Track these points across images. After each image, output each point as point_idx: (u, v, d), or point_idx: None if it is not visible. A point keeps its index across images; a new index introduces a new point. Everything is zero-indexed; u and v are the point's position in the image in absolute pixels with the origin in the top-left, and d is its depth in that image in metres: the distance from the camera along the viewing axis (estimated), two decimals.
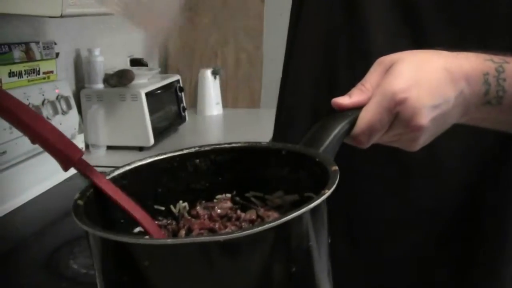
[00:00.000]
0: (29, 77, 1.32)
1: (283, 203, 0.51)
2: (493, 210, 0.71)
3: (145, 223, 0.47)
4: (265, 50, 2.31)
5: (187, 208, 0.53)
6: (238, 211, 0.51)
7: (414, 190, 0.71)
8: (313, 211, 0.39)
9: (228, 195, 0.53)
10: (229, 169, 0.53)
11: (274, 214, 0.49)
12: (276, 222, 0.37)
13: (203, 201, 0.53)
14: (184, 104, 1.93)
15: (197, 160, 0.53)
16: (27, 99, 1.24)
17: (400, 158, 0.68)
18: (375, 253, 0.74)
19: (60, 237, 1.01)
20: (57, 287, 0.85)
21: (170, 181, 0.52)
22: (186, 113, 1.93)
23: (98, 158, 1.56)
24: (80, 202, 0.43)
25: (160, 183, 0.52)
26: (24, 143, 1.20)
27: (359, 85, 0.55)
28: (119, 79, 1.65)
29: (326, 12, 0.74)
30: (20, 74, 1.28)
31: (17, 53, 1.28)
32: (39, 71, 1.35)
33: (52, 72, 1.41)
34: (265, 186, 0.52)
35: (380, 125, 0.53)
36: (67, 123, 1.37)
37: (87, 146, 1.59)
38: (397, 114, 0.53)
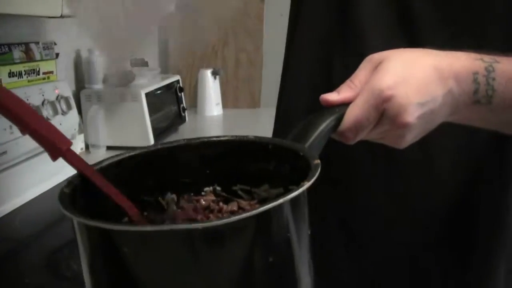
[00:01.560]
0: (29, 78, 1.32)
1: (269, 196, 0.51)
2: (487, 208, 0.72)
3: (131, 213, 0.47)
4: (265, 50, 2.31)
5: (175, 200, 0.53)
6: (221, 203, 0.52)
7: (408, 188, 0.71)
8: (293, 202, 0.40)
9: (218, 188, 0.54)
10: (218, 162, 0.53)
11: (256, 206, 0.50)
12: (255, 211, 0.38)
13: (191, 194, 0.53)
14: (184, 104, 1.93)
15: (186, 153, 0.53)
16: (27, 100, 1.24)
17: (393, 156, 0.68)
18: (370, 250, 0.75)
19: (61, 238, 1.01)
20: (57, 287, 0.85)
21: (159, 173, 0.52)
22: (186, 113, 1.93)
23: (98, 159, 1.54)
24: (66, 190, 0.44)
25: (150, 175, 0.52)
26: (24, 143, 1.20)
27: (347, 82, 0.56)
28: (119, 79, 1.65)
29: (322, 15, 0.74)
30: (20, 75, 1.28)
31: (17, 54, 1.28)
32: (39, 71, 1.35)
33: (52, 72, 1.41)
34: (252, 180, 0.52)
35: (367, 122, 0.53)
36: (67, 124, 1.37)
37: (87, 146, 1.59)
38: (384, 111, 0.53)
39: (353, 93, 0.54)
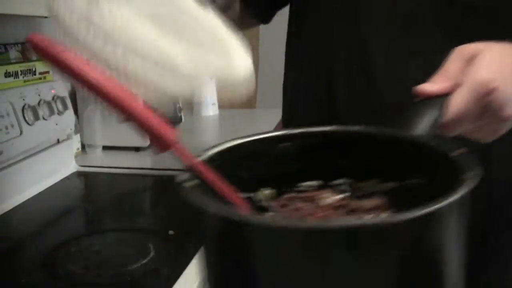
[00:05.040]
0: (25, 78, 1.31)
1: (378, 190, 0.48)
2: (499, 202, 0.71)
3: (241, 210, 0.45)
4: (260, 51, 2.31)
5: (273, 196, 0.49)
6: (351, 201, 0.47)
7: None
8: (459, 201, 0.35)
9: (315, 183, 0.50)
10: (317, 154, 0.49)
11: (386, 206, 0.46)
12: (427, 210, 0.33)
13: (295, 188, 0.49)
14: (180, 104, 1.92)
15: (285, 144, 0.50)
16: (23, 100, 1.24)
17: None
18: None
19: (57, 237, 1.01)
20: (53, 287, 0.85)
21: (257, 166, 0.49)
22: (182, 113, 1.93)
23: (94, 159, 1.56)
24: (189, 184, 0.41)
25: (245, 168, 0.48)
26: (20, 143, 1.20)
27: (441, 73, 0.55)
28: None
29: (324, 25, 0.75)
30: (16, 75, 1.28)
31: (13, 53, 1.28)
32: (35, 71, 1.35)
33: (48, 72, 1.41)
34: (354, 173, 0.49)
35: (471, 114, 0.53)
36: (63, 124, 1.37)
37: (83, 146, 1.59)
38: (487, 103, 0.53)
39: (450, 84, 0.54)
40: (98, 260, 0.92)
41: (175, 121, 1.89)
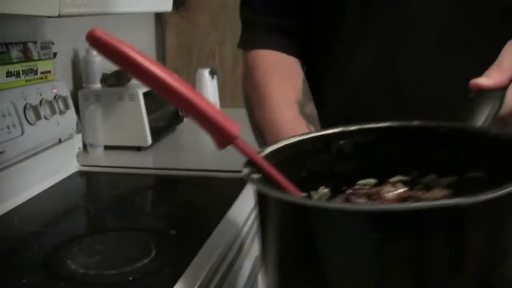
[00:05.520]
0: (26, 77, 1.31)
1: (436, 186, 0.47)
2: None
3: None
4: None
5: (329, 195, 0.50)
6: (417, 193, 0.47)
7: None
8: None
9: (371, 181, 0.50)
10: (374, 151, 0.49)
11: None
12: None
13: (351, 186, 0.49)
14: None
15: (342, 141, 0.49)
16: (25, 99, 1.24)
17: None
18: None
19: (58, 237, 1.01)
20: (55, 286, 0.85)
21: (314, 164, 0.49)
22: (183, 113, 1.93)
23: (96, 158, 1.56)
24: (255, 176, 0.42)
25: (304, 166, 0.49)
26: (22, 143, 1.20)
27: (495, 66, 0.55)
28: (117, 79, 1.65)
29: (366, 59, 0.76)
30: (17, 74, 1.28)
31: (15, 53, 1.28)
32: (36, 71, 1.35)
33: (49, 72, 1.41)
34: (411, 169, 0.49)
35: None
36: (64, 123, 1.37)
37: (84, 145, 1.59)
38: None
39: (505, 77, 0.53)
40: (99, 259, 0.91)
41: (176, 120, 1.90)
